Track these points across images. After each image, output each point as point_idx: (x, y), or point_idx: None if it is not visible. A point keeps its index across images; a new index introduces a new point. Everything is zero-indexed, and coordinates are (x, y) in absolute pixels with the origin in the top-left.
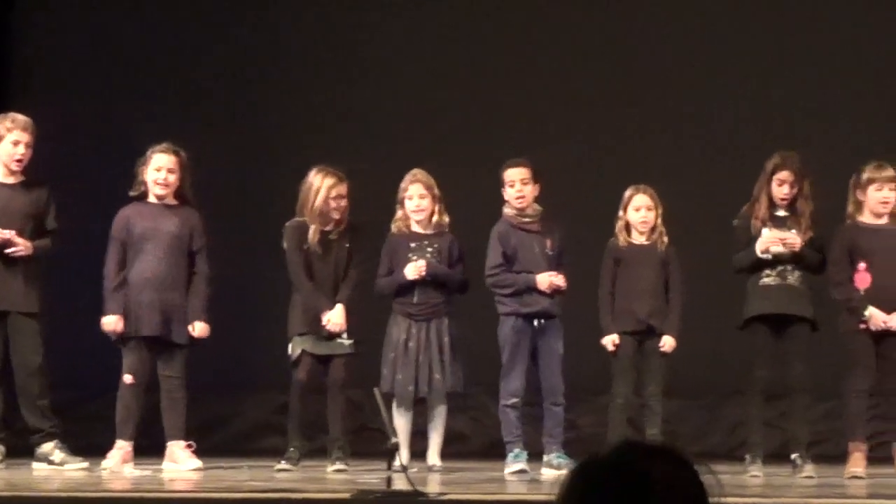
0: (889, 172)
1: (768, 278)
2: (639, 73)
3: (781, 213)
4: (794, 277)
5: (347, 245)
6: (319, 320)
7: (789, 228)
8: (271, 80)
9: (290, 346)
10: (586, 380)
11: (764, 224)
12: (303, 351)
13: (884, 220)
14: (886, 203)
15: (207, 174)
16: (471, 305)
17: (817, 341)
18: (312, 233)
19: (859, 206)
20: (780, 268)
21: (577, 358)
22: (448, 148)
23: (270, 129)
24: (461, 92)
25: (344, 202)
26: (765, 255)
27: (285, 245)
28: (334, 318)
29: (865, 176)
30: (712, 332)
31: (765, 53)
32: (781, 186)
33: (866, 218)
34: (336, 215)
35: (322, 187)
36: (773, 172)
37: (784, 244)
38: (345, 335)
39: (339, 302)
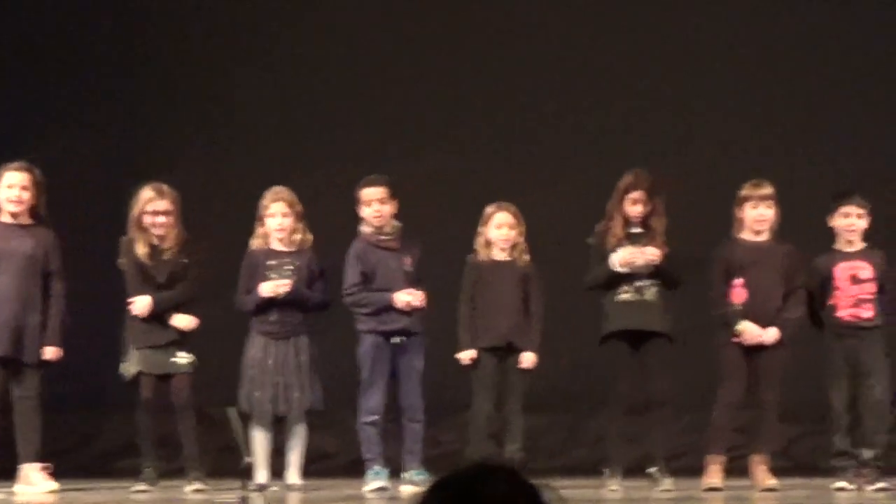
0: (765, 190)
1: (626, 294)
2: (498, 87)
3: (636, 230)
4: (650, 293)
5: (184, 261)
6: (156, 334)
7: (645, 245)
8: (124, 99)
9: (123, 363)
10: (449, 396)
11: (619, 243)
12: (140, 371)
13: (763, 237)
14: (762, 221)
15: (64, 189)
16: (334, 323)
17: (680, 355)
18: (139, 247)
19: (740, 222)
20: (637, 284)
21: (439, 374)
22: (306, 164)
23: (124, 144)
24: (317, 107)
25: (164, 218)
26: (623, 269)
27: (120, 260)
28: (180, 322)
29: (742, 193)
30: (573, 348)
31: (623, 69)
32: (635, 205)
33: (745, 234)
34: (157, 230)
35: (139, 200)
36: (626, 191)
37: (643, 257)
38: (182, 353)
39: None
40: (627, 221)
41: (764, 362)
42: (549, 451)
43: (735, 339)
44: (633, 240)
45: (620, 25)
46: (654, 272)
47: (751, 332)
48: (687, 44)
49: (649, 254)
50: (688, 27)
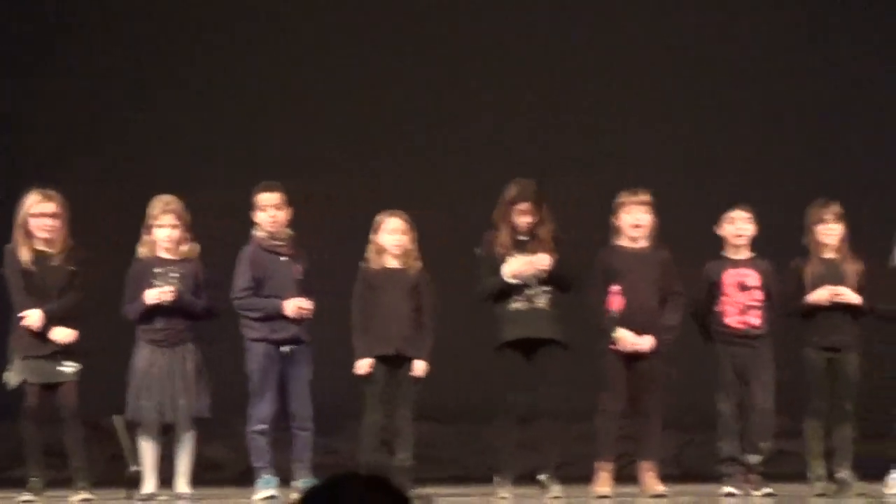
0: (641, 197)
1: (517, 303)
2: (386, 99)
3: (523, 237)
4: (542, 301)
5: (71, 268)
6: (41, 343)
7: (532, 253)
8: (7, 106)
9: (6, 373)
10: (343, 404)
11: (507, 252)
12: (24, 380)
13: (640, 244)
14: (638, 226)
15: None
16: (223, 331)
17: (570, 363)
18: (23, 252)
19: (617, 229)
20: (527, 292)
21: (333, 382)
22: (192, 174)
23: (8, 153)
24: (207, 117)
25: (52, 221)
26: (515, 280)
27: (2, 269)
28: (59, 335)
29: (619, 200)
30: (466, 356)
31: (508, 79)
32: (522, 216)
33: (623, 241)
34: (43, 234)
35: (24, 204)
36: (513, 203)
37: (533, 265)
38: (68, 362)
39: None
40: (515, 230)
41: (643, 370)
42: (441, 460)
43: (613, 347)
44: (520, 248)
45: (508, 39)
46: (546, 279)
47: (627, 339)
48: (572, 56)
49: (539, 263)
50: (577, 41)
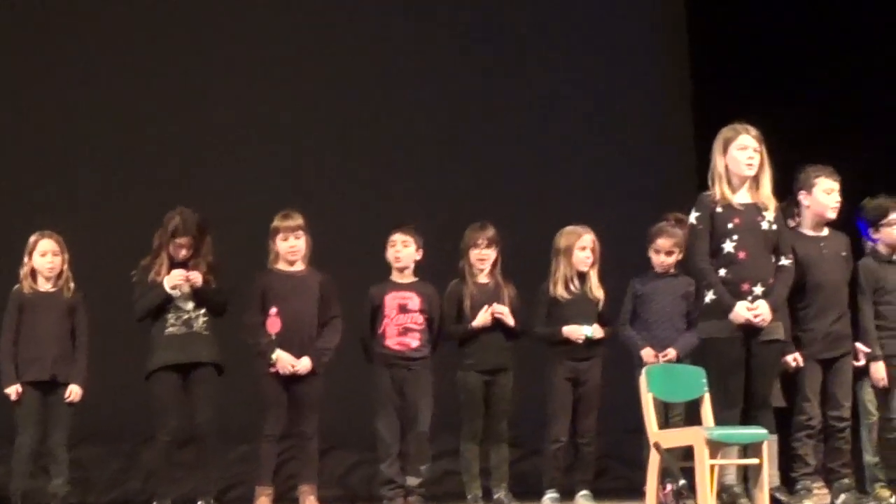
0: (294, 221)
1: (173, 328)
2: (63, 107)
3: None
4: (198, 324)
5: None
6: None
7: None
8: None
9: None
10: None
11: (162, 280)
12: None
13: (297, 267)
14: (294, 252)
15: None
16: None
17: (230, 385)
18: None
19: (276, 254)
20: (184, 316)
21: None
22: None
23: None
24: None
25: None
26: (174, 292)
27: None
28: None
29: (273, 225)
30: (124, 380)
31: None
32: (180, 249)
33: (280, 265)
34: None
35: None
36: (174, 235)
37: (187, 277)
38: None
39: None
40: (172, 260)
41: (299, 392)
42: (105, 483)
43: (273, 369)
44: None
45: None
46: (200, 301)
47: (284, 361)
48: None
49: (193, 277)
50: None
